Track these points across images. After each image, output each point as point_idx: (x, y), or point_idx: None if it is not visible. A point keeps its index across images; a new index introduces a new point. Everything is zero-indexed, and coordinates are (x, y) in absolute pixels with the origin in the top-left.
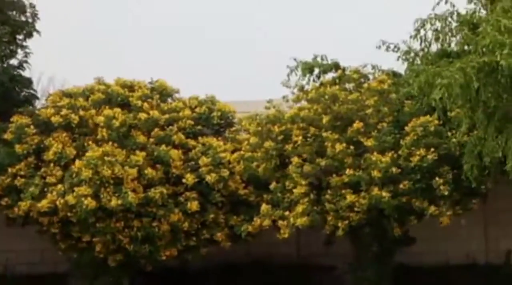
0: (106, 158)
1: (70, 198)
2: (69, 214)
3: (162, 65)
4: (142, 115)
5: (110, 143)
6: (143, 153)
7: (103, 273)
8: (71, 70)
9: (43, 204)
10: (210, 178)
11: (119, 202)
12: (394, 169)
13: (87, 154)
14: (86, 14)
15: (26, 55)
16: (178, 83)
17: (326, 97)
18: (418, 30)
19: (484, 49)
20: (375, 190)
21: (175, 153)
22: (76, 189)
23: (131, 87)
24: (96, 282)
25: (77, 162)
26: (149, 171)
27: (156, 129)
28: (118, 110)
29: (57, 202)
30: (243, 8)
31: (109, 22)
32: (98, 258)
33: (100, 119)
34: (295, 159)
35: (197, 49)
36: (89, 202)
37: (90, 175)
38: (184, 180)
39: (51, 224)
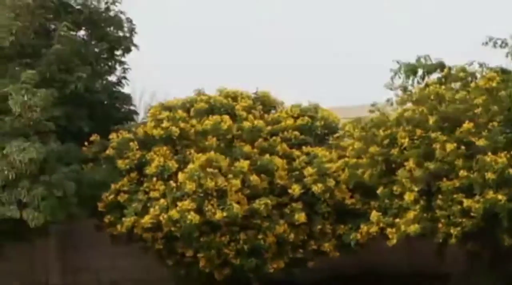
0: (209, 169)
1: (173, 213)
2: (173, 229)
3: (265, 75)
4: (246, 124)
5: (213, 152)
6: (247, 162)
7: None
8: (172, 84)
9: (146, 220)
10: (316, 188)
11: (224, 214)
12: (511, 171)
13: (189, 166)
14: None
15: (125, 71)
16: (278, 91)
17: (432, 97)
18: None
19: None
20: (490, 193)
21: (279, 162)
22: (179, 203)
23: (234, 98)
24: None
25: (179, 174)
26: (254, 178)
27: (260, 140)
28: (226, 116)
29: (161, 217)
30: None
31: (207, 31)
32: (204, 273)
33: (208, 122)
34: (409, 163)
35: (297, 55)
36: (193, 217)
37: (194, 188)
38: (290, 191)
39: (155, 240)
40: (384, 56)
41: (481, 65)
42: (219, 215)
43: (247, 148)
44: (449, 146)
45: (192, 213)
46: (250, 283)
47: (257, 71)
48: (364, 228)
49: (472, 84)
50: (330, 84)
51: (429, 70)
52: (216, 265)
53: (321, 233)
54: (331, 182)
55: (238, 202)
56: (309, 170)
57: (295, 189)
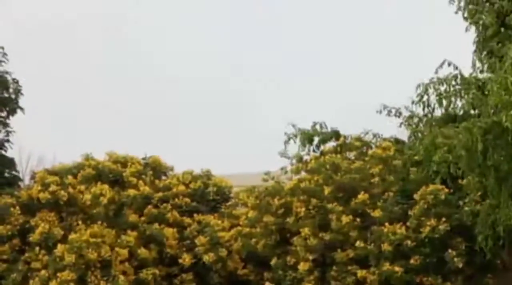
0: (92, 239)
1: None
2: None
3: (154, 139)
4: (131, 192)
5: (100, 222)
6: (135, 233)
7: None
8: (62, 149)
9: None
10: (207, 258)
11: None
12: (409, 242)
13: (70, 237)
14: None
15: (8, 133)
16: (171, 157)
17: (327, 166)
18: (421, 96)
19: (492, 110)
20: (386, 265)
21: (169, 232)
22: (59, 274)
23: (124, 163)
24: None
25: (59, 246)
26: (142, 251)
27: (149, 207)
28: (106, 186)
29: None
30: (236, 81)
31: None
32: None
33: (87, 197)
34: (304, 230)
35: (188, 123)
36: None
37: (74, 260)
38: (180, 261)
39: None
40: (276, 121)
41: (375, 135)
42: None
43: (133, 217)
44: (345, 219)
45: (71, 284)
46: None
47: (145, 138)
48: None
49: (369, 153)
50: (222, 152)
51: (325, 138)
52: None
53: None
54: (223, 252)
55: (124, 273)
56: (201, 239)
57: (186, 259)
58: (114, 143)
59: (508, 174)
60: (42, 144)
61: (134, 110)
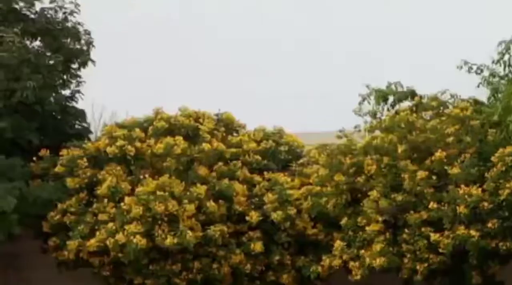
0: (158, 192)
1: (120, 237)
2: (120, 254)
3: (226, 95)
4: (207, 146)
5: (168, 175)
6: (204, 186)
7: None
8: (134, 104)
9: (92, 243)
10: (276, 216)
11: (175, 241)
12: (485, 204)
13: (137, 189)
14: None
15: (79, 84)
16: (243, 113)
17: (402, 125)
18: (502, 54)
19: None
20: (461, 229)
21: (239, 187)
22: (126, 227)
23: (196, 119)
24: None
25: (126, 198)
26: (210, 204)
27: (219, 163)
28: (180, 138)
29: (107, 242)
30: (309, 38)
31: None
32: None
33: (160, 146)
34: (373, 193)
35: (260, 79)
36: (139, 241)
37: (141, 212)
38: (247, 218)
39: (102, 266)
40: (349, 81)
41: (452, 95)
42: (169, 241)
43: (203, 171)
44: (420, 174)
45: (138, 237)
46: None
47: (219, 95)
48: (326, 260)
49: (446, 112)
50: (296, 110)
51: (400, 97)
52: None
53: (280, 264)
54: (292, 210)
55: (191, 228)
56: (269, 196)
57: (253, 216)
58: (187, 100)
59: None
60: (115, 99)
61: (208, 66)
